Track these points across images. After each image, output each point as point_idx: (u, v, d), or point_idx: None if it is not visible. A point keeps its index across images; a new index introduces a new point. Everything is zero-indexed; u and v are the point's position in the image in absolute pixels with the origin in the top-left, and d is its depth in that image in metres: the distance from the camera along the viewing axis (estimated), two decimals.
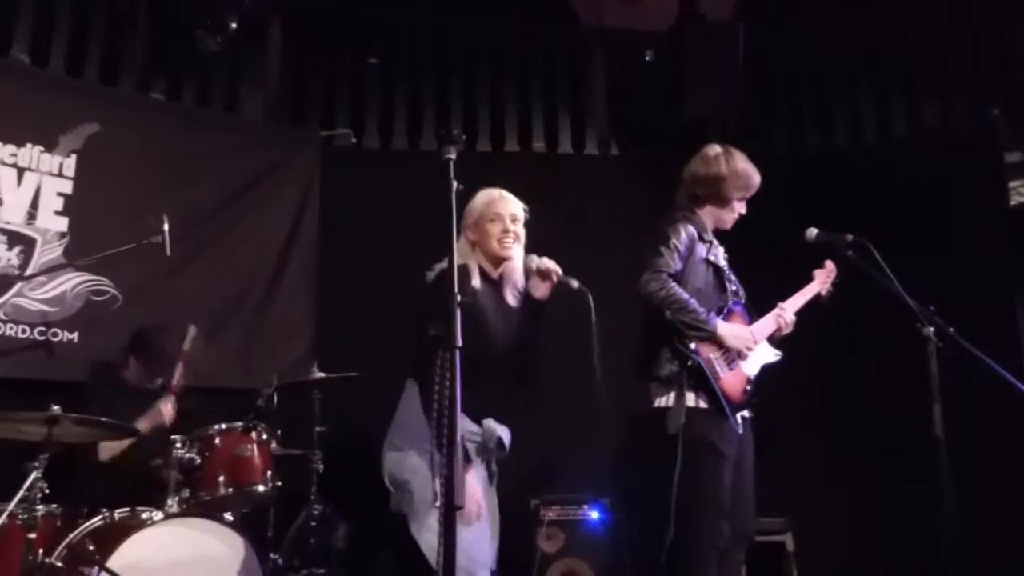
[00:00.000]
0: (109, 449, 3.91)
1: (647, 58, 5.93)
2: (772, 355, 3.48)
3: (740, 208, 3.48)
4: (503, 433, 3.06)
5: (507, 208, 3.12)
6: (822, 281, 3.68)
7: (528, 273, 3.13)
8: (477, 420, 3.01)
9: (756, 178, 3.44)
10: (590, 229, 5.39)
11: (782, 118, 6.01)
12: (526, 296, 3.14)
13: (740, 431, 3.27)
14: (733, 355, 3.29)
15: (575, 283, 3.02)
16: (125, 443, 3.87)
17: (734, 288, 3.47)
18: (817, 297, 3.66)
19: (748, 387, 3.34)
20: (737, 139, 5.85)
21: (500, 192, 3.19)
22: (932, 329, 3.14)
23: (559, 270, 3.08)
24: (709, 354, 3.21)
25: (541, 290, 3.10)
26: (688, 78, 5.64)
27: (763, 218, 4.95)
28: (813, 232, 3.48)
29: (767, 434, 3.52)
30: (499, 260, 3.11)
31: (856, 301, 3.71)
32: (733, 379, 3.28)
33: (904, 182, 5.25)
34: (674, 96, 5.68)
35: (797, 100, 6.01)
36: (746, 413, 3.37)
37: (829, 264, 3.68)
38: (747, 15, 6.01)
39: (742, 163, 3.44)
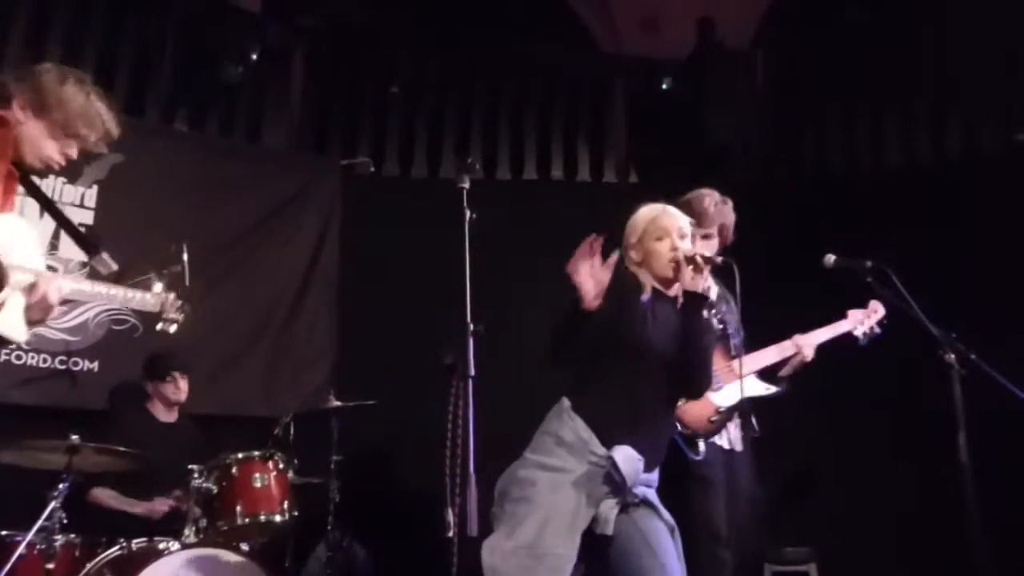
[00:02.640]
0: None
1: (665, 86, 5.94)
2: (763, 388, 3.44)
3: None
4: (621, 459, 2.54)
5: (674, 223, 2.79)
6: (857, 320, 3.58)
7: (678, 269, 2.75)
8: (608, 445, 2.58)
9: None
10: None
11: (803, 141, 5.98)
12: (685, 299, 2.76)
13: (701, 457, 3.23)
14: None
15: (719, 258, 2.80)
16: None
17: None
18: (851, 336, 3.57)
19: (716, 416, 3.31)
20: (761, 165, 5.89)
21: (663, 207, 2.88)
22: (954, 356, 3.08)
23: (705, 252, 2.79)
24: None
25: (697, 282, 2.72)
26: (708, 105, 5.65)
27: (785, 242, 4.96)
28: (831, 258, 3.41)
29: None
30: (670, 283, 2.75)
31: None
32: (696, 408, 3.25)
33: (930, 204, 5.19)
34: (694, 123, 5.68)
35: (817, 123, 5.98)
36: (724, 442, 3.36)
37: (874, 304, 3.56)
38: (767, 41, 6.02)
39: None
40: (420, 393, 3.15)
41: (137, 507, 3.93)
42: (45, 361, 4.44)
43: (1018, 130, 5.50)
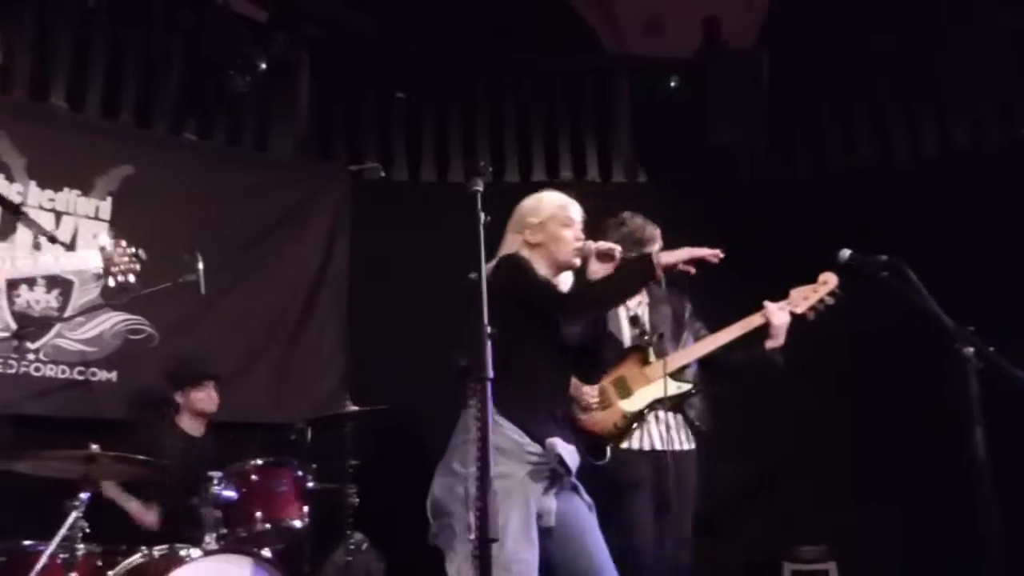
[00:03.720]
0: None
1: (672, 84, 5.95)
2: (674, 388, 3.45)
3: None
4: (563, 451, 2.65)
5: (580, 216, 2.89)
6: (802, 297, 3.55)
7: (586, 260, 2.87)
8: (540, 440, 2.65)
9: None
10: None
11: (808, 141, 5.99)
12: None
13: (606, 462, 3.27)
14: None
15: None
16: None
17: None
18: (800, 317, 3.55)
19: (622, 421, 3.39)
20: (764, 163, 5.89)
21: (568, 197, 2.95)
22: (971, 349, 3.07)
23: (619, 247, 2.91)
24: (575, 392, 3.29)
25: (605, 271, 2.86)
26: (713, 104, 5.66)
27: (792, 241, 4.96)
28: (846, 253, 3.38)
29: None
30: (563, 268, 2.85)
31: (890, 323, 3.65)
32: (603, 415, 3.36)
33: (934, 201, 5.20)
34: (700, 122, 5.69)
35: (822, 122, 5.99)
36: (647, 444, 3.44)
37: (824, 276, 3.56)
38: (770, 39, 6.03)
39: None
40: (435, 397, 3.15)
41: (131, 503, 3.99)
42: (63, 372, 4.46)
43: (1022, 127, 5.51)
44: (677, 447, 3.51)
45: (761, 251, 4.80)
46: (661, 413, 3.45)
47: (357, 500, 4.26)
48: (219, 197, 5.16)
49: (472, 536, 2.42)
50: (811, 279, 3.60)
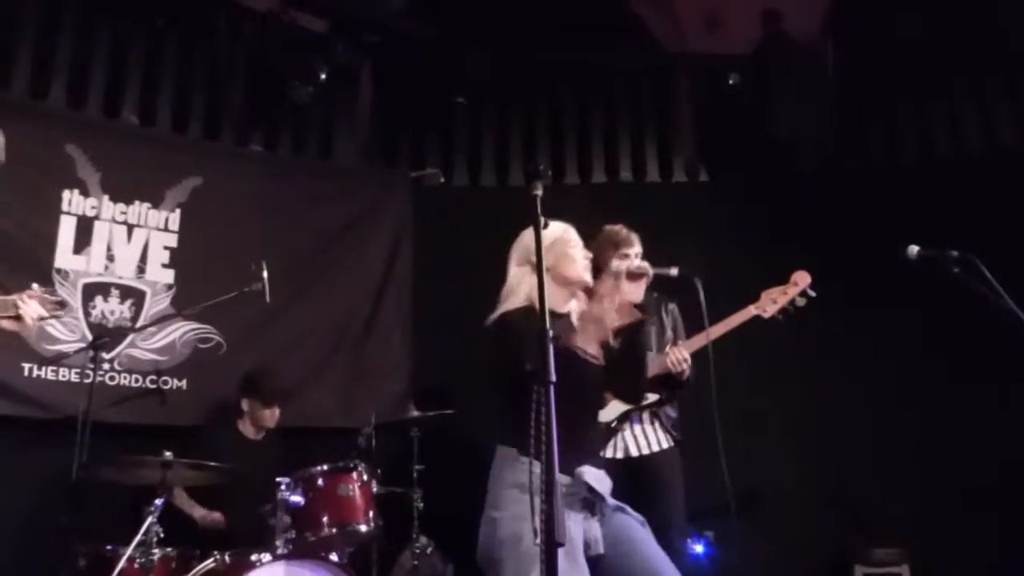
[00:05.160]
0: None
1: (731, 82, 5.85)
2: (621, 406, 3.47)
3: None
4: (591, 478, 2.64)
5: (580, 240, 2.92)
6: (770, 299, 3.50)
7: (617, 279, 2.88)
8: (569, 472, 2.63)
9: None
10: (686, 256, 5.33)
11: (877, 132, 5.83)
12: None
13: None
14: None
15: (674, 271, 2.91)
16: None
17: None
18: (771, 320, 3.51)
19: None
20: (830, 158, 5.76)
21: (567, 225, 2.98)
22: None
23: (649, 266, 2.94)
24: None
25: (637, 293, 2.93)
26: (776, 99, 5.55)
27: (858, 237, 4.84)
28: (914, 250, 3.28)
29: None
30: (575, 286, 2.86)
31: (964, 321, 3.54)
32: None
33: (1009, 191, 5.02)
34: (762, 119, 5.59)
35: (892, 113, 5.82)
36: (620, 452, 3.50)
37: (796, 276, 3.52)
38: (836, 29, 5.88)
39: None
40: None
41: (196, 509, 4.08)
42: (136, 381, 4.60)
43: None
44: (656, 448, 3.55)
45: (824, 247, 4.71)
46: (637, 422, 3.53)
47: (422, 504, 4.29)
48: (285, 206, 5.25)
49: (537, 541, 2.41)
50: (878, 273, 3.52)
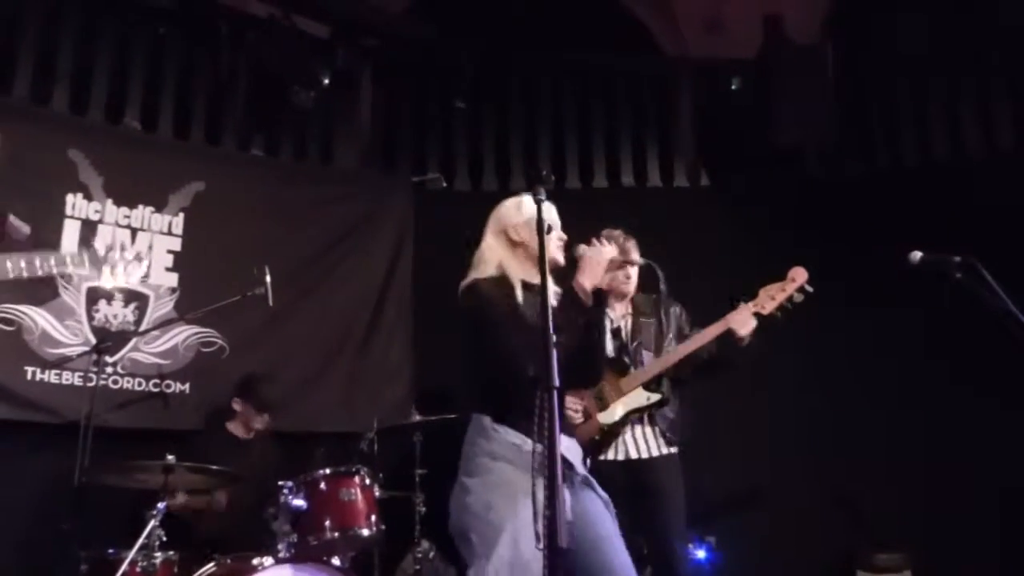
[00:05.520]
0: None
1: (733, 86, 5.86)
2: (644, 399, 3.48)
3: None
4: (563, 448, 2.57)
5: (556, 218, 2.88)
6: (767, 299, 3.47)
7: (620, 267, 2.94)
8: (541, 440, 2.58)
9: None
10: (688, 261, 5.33)
11: (878, 136, 5.84)
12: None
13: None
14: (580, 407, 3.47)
15: (639, 258, 2.92)
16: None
17: None
18: (768, 318, 3.48)
19: (599, 435, 3.47)
20: (835, 160, 5.77)
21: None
22: None
23: (614, 248, 2.87)
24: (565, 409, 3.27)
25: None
26: (777, 103, 5.55)
27: (862, 240, 4.85)
28: (917, 255, 3.28)
29: None
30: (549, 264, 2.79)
31: (966, 323, 3.54)
32: (582, 428, 3.42)
33: (1010, 194, 5.02)
34: (764, 123, 5.59)
35: (895, 117, 5.83)
36: (621, 454, 3.50)
37: (793, 272, 3.49)
38: (836, 33, 5.89)
39: None
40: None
41: (199, 501, 4.03)
42: (140, 385, 4.61)
43: None
44: (655, 453, 3.53)
45: (826, 250, 4.72)
46: (637, 424, 3.52)
47: (424, 508, 4.29)
48: (287, 210, 5.26)
49: (540, 545, 2.41)
50: (877, 275, 3.51)
